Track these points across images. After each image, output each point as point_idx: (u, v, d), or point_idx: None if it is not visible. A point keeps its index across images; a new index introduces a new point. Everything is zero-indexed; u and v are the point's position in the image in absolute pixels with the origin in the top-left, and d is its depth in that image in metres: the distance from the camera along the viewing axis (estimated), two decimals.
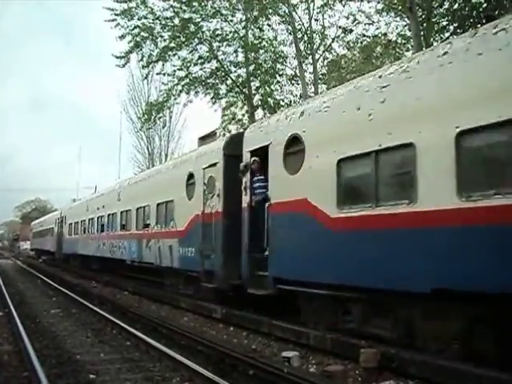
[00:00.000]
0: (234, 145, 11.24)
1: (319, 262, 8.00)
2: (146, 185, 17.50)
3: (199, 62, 22.58)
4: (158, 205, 15.30)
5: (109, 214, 21.51)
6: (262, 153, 9.91)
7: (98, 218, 23.58)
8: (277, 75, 23.42)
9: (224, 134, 23.74)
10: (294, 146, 8.85)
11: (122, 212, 19.55)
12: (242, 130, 14.54)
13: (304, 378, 6.06)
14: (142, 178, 18.97)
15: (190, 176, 13.07)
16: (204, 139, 31.46)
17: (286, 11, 21.36)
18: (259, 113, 24.14)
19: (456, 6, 17.02)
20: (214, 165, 11.69)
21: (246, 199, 10.40)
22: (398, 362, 6.44)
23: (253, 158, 10.22)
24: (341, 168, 7.67)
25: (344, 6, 20.74)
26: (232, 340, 9.25)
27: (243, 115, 25.33)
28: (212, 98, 23.59)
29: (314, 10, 21.57)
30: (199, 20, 21.63)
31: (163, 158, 39.27)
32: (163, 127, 38.98)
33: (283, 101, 23.66)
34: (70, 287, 18.59)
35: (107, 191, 23.68)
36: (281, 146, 9.19)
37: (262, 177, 10.05)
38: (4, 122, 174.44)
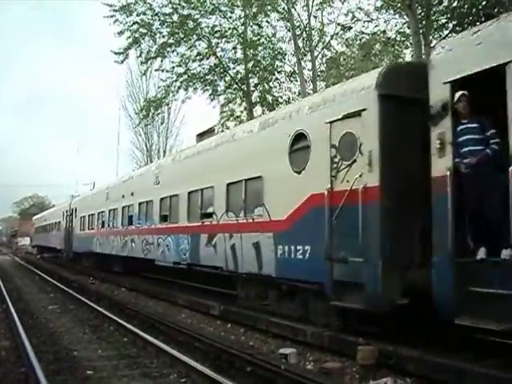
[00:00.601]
0: (396, 79, 7.38)
1: None
2: (206, 159, 12.65)
3: (198, 58, 22.58)
4: (230, 185, 10.98)
5: (141, 203, 17.02)
6: (474, 84, 6.07)
7: (123, 209, 19.04)
8: (275, 72, 23.44)
9: (222, 131, 23.67)
10: None
11: (162, 199, 15.01)
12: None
13: (301, 374, 6.05)
14: (197, 150, 13.69)
15: (299, 137, 8.77)
16: (202, 136, 31.41)
17: (285, 8, 21.37)
18: (258, 109, 24.21)
19: (455, 4, 16.99)
20: (357, 114, 7.49)
21: (441, 164, 6.27)
22: (396, 359, 6.43)
23: (459, 93, 6.22)
24: None
25: (343, 3, 20.77)
26: (229, 336, 9.24)
27: (242, 112, 25.37)
28: (210, 95, 23.65)
29: (312, 6, 21.66)
30: (198, 16, 21.62)
31: (161, 155, 39.30)
32: (161, 124, 39.13)
33: (282, 98, 23.73)
34: (68, 283, 18.57)
35: (137, 174, 19.59)
36: None
37: (474, 124, 6.31)
38: (2, 118, 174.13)
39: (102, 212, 22.14)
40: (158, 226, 15.25)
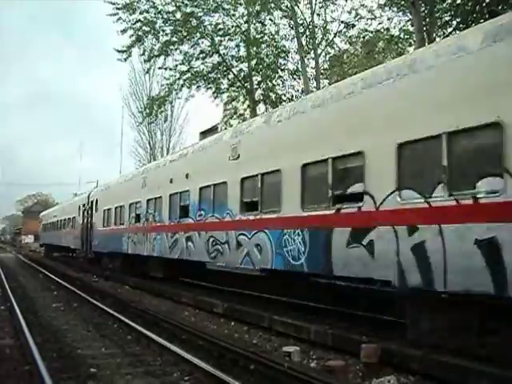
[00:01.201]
0: None
1: None
2: (339, 112, 8.41)
3: (201, 56, 22.63)
4: (406, 146, 6.87)
5: (203, 188, 12.81)
6: None
7: (171, 198, 14.94)
8: (278, 70, 23.43)
9: (225, 129, 23.74)
10: None
11: (245, 179, 10.93)
12: None
13: (304, 373, 6.05)
14: (318, 102, 9.10)
15: None
16: (205, 134, 31.55)
17: (288, 6, 21.34)
18: (261, 107, 24.22)
19: (459, 1, 16.95)
20: None
21: None
22: (399, 357, 6.43)
23: None
24: None
25: (346, 1, 20.78)
26: (233, 335, 9.25)
27: (245, 110, 25.37)
28: (214, 93, 23.67)
29: (316, 4, 21.60)
30: (201, 14, 21.65)
31: (165, 153, 39.37)
32: (165, 122, 39.20)
33: (285, 95, 23.70)
34: (71, 281, 18.61)
35: (195, 149, 14.54)
36: None
37: None
38: (5, 117, 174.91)
39: (137, 203, 17.93)
40: (238, 217, 11.10)
